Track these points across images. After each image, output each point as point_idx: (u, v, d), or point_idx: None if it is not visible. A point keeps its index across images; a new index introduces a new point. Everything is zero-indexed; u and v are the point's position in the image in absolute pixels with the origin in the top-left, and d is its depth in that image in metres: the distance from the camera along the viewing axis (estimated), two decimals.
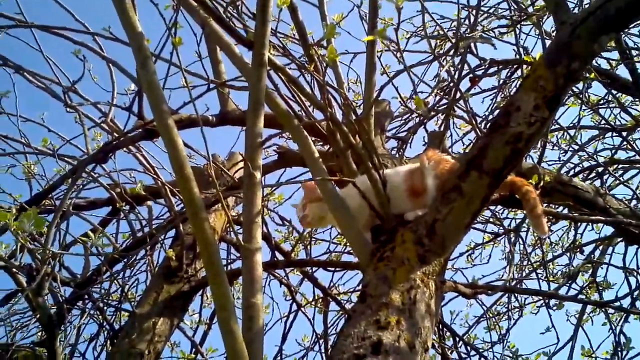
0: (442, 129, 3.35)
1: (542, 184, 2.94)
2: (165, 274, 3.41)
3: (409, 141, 4.08)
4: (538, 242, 4.24)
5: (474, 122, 2.93)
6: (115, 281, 3.58)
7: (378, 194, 2.41)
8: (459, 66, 3.16)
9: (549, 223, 4.07)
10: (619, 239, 4.09)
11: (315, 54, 2.57)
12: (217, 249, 1.74)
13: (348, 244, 2.89)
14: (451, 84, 3.70)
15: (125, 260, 3.57)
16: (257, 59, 2.14)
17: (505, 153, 2.24)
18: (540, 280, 3.98)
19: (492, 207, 3.92)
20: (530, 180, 2.95)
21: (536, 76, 2.29)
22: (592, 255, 4.18)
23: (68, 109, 3.60)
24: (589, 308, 4.24)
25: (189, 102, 2.14)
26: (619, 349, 3.72)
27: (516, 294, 4.20)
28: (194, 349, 3.87)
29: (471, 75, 3.52)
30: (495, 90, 4.08)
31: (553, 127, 4.03)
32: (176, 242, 3.65)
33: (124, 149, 3.32)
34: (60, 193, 3.43)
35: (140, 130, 3.10)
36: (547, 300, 3.87)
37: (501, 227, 4.07)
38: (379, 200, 2.43)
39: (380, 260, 2.25)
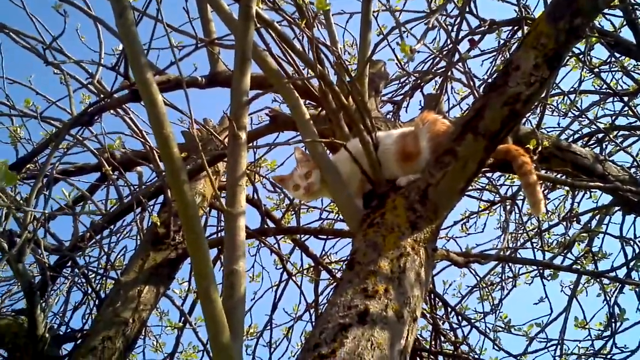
0: (439, 91, 3.23)
1: (539, 149, 2.84)
2: (152, 240, 3.32)
3: (405, 105, 3.97)
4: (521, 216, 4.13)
5: (472, 84, 2.81)
6: (101, 249, 3.49)
7: (369, 157, 2.31)
8: (458, 24, 3.03)
9: (547, 190, 4.00)
10: (617, 208, 4.00)
11: (303, 4, 2.43)
12: (197, 212, 1.65)
13: (338, 209, 2.80)
14: (449, 45, 3.57)
15: (112, 227, 3.47)
16: (243, 11, 2.03)
17: (503, 114, 2.14)
18: (535, 250, 3.89)
19: (488, 175, 3.81)
20: (528, 145, 2.86)
21: (537, 33, 2.18)
22: (589, 225, 4.10)
23: (55, 71, 3.47)
24: (583, 279, 4.18)
25: (175, 62, 2.00)
26: (613, 320, 3.66)
27: (510, 264, 4.13)
28: (182, 318, 3.83)
29: (470, 36, 3.40)
30: (495, 53, 3.95)
31: (553, 91, 3.91)
32: (164, 208, 3.56)
33: (111, 111, 3.20)
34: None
35: (126, 91, 2.97)
36: (541, 271, 3.80)
37: (497, 195, 3.97)
38: (371, 163, 2.33)
39: (370, 227, 2.17)
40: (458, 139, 2.20)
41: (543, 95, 3.20)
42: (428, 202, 2.20)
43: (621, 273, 3.39)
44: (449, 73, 3.39)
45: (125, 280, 3.14)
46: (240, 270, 1.75)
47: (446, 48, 3.93)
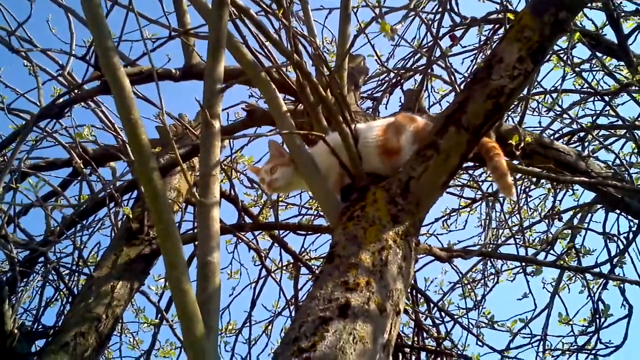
0: (419, 88, 3.17)
1: (522, 144, 2.80)
2: (126, 236, 3.24)
3: (385, 102, 3.91)
4: (516, 208, 4.10)
5: (453, 80, 2.76)
6: (74, 244, 3.39)
7: (349, 149, 2.25)
8: (439, 19, 2.97)
9: (531, 186, 3.97)
10: (599, 206, 3.99)
11: None
12: (166, 201, 1.57)
13: (317, 204, 2.73)
14: (430, 42, 3.52)
15: (84, 222, 3.37)
16: None
17: (487, 108, 2.11)
18: (518, 247, 3.86)
19: (470, 171, 3.77)
20: (511, 141, 2.83)
21: (521, 26, 2.15)
22: (571, 222, 4.07)
23: (25, 63, 3.38)
24: (565, 275, 4.18)
25: (147, 53, 1.91)
26: (597, 316, 3.63)
27: (493, 260, 4.10)
28: (159, 315, 3.74)
29: (452, 32, 3.36)
30: (476, 51, 3.92)
31: (534, 89, 3.87)
32: (137, 203, 3.47)
33: (82, 103, 3.11)
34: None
35: (98, 82, 2.88)
36: (524, 267, 3.78)
37: (479, 191, 3.93)
38: (350, 156, 2.26)
39: (350, 220, 2.11)
40: (440, 132, 2.15)
41: (525, 91, 3.16)
42: (410, 196, 2.14)
43: (605, 269, 3.35)
44: (430, 70, 3.33)
45: (98, 275, 3.06)
46: (214, 262, 1.68)
47: (426, 45, 3.91)
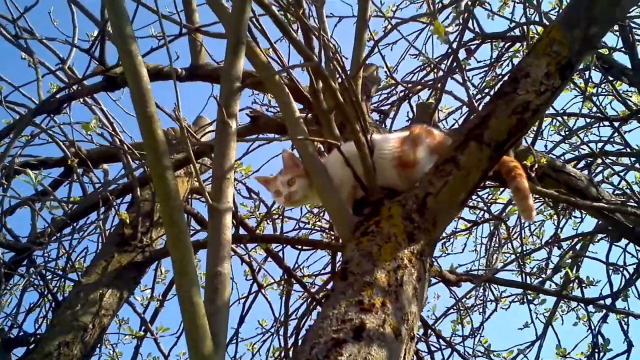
0: (433, 101, 3.07)
1: (536, 166, 2.71)
2: (118, 241, 3.10)
3: (392, 115, 3.80)
4: (515, 233, 3.99)
5: (468, 93, 2.66)
6: (62, 248, 3.24)
7: (364, 160, 2.14)
8: (460, 33, 2.88)
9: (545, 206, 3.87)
10: (600, 236, 3.90)
11: None
12: (181, 204, 1.45)
13: (328, 216, 2.58)
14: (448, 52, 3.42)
15: (74, 224, 3.22)
16: None
17: (510, 124, 2.02)
18: (517, 273, 3.77)
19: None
20: (525, 162, 2.73)
21: (550, 39, 2.07)
22: (575, 251, 3.97)
23: (22, 55, 3.24)
24: (560, 306, 4.08)
25: (156, 48, 1.79)
26: (597, 350, 3.52)
27: (492, 286, 3.99)
28: (143, 327, 3.59)
29: (466, 46, 3.28)
30: (487, 68, 3.84)
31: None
32: (132, 208, 3.33)
33: (81, 99, 2.97)
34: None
35: (101, 78, 2.74)
36: (525, 294, 3.68)
37: (480, 213, 3.81)
38: (365, 168, 2.15)
39: (364, 235, 1.99)
40: (461, 147, 2.05)
41: None
42: (426, 212, 2.04)
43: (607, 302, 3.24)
44: (442, 83, 3.22)
45: (87, 282, 2.91)
46: (225, 273, 1.56)
47: (438, 57, 3.81)
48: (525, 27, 3.15)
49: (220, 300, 1.53)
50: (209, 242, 1.61)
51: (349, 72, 2.44)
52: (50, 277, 3.34)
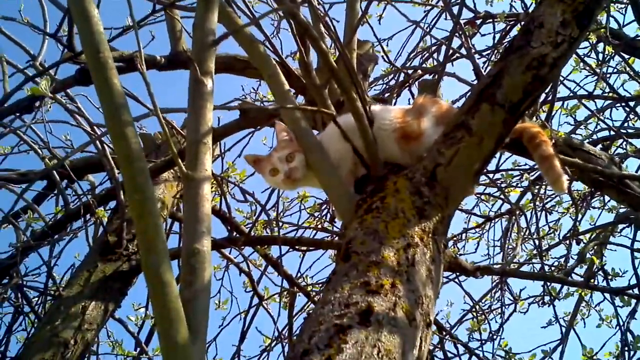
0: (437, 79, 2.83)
1: (553, 142, 2.46)
2: (101, 250, 2.85)
3: (393, 104, 3.56)
4: (531, 226, 3.72)
5: (475, 63, 2.42)
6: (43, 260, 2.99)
7: (365, 133, 1.89)
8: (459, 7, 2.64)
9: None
10: (624, 226, 3.64)
11: None
12: (145, 167, 1.20)
13: (327, 196, 2.33)
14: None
15: (56, 236, 2.97)
16: None
17: (526, 81, 1.80)
18: (535, 270, 3.51)
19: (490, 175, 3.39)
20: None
21: None
22: (600, 238, 3.69)
23: None
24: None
25: (126, 28, 1.54)
26: (627, 349, 3.24)
27: (508, 287, 3.72)
28: (138, 348, 3.38)
29: (471, 20, 3.07)
30: (489, 51, 3.61)
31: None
32: (116, 214, 3.08)
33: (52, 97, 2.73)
34: None
35: (74, 72, 2.52)
36: (545, 294, 3.41)
37: (506, 203, 3.53)
38: (365, 141, 1.91)
39: (367, 212, 1.75)
40: (471, 110, 1.83)
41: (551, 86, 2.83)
42: (437, 186, 1.80)
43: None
44: (447, 65, 2.98)
45: (68, 294, 2.66)
46: (204, 250, 1.30)
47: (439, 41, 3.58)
48: None
49: (199, 283, 1.28)
50: (185, 217, 1.37)
51: (342, 40, 2.20)
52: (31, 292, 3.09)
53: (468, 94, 1.97)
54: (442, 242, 1.80)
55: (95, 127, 2.76)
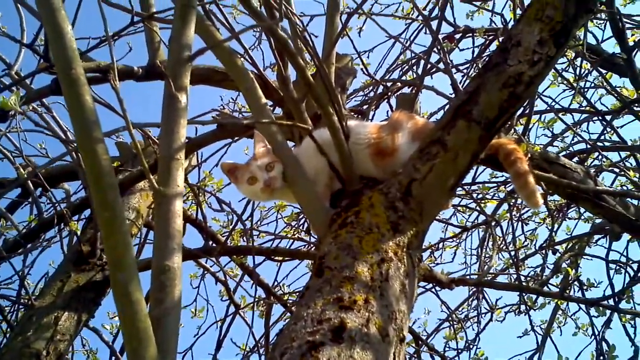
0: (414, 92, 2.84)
1: (529, 156, 2.48)
2: (75, 260, 2.81)
3: (371, 116, 3.56)
4: (507, 237, 3.75)
5: (453, 78, 2.43)
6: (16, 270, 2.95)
7: (340, 147, 1.89)
8: (437, 23, 2.65)
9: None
10: (599, 237, 3.67)
11: None
12: (114, 182, 1.19)
13: (303, 210, 2.31)
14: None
15: (29, 245, 2.94)
16: None
17: (502, 98, 1.81)
18: (510, 280, 3.52)
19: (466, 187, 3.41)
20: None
21: (542, 4, 1.86)
22: (575, 250, 3.73)
23: None
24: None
25: (101, 41, 1.52)
26: (602, 357, 3.27)
27: (485, 295, 3.74)
28: (113, 357, 3.31)
29: (449, 34, 3.08)
30: (468, 65, 3.63)
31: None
32: (90, 224, 3.05)
33: (30, 105, 2.71)
34: None
35: (49, 82, 2.49)
36: (521, 304, 3.43)
37: (481, 215, 3.55)
38: (341, 156, 1.91)
39: (342, 227, 1.75)
40: (447, 126, 1.83)
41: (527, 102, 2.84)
42: (412, 201, 1.80)
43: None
44: (426, 77, 2.99)
45: (40, 304, 2.62)
46: (174, 267, 1.30)
47: (417, 55, 3.60)
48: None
49: (169, 300, 1.27)
50: (156, 232, 1.36)
51: (320, 55, 2.20)
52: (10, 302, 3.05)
53: (445, 110, 1.97)
54: (416, 256, 1.80)
55: (70, 135, 2.73)
